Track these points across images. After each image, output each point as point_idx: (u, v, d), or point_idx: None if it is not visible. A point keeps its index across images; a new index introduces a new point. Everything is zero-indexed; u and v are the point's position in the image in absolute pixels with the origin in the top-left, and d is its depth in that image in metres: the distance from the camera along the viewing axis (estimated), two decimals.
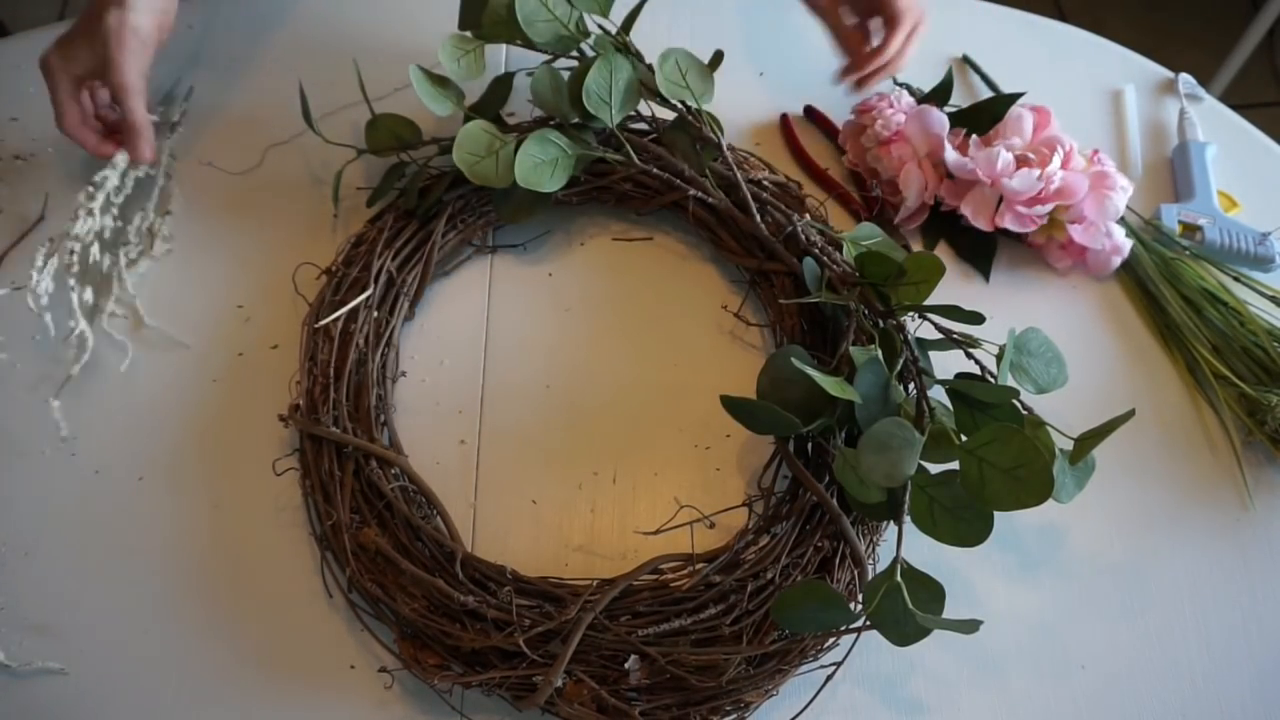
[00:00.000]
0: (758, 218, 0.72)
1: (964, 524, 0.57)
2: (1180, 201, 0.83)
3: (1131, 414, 0.60)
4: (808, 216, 0.75)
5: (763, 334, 0.75)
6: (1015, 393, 0.59)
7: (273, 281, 0.74)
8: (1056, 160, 0.74)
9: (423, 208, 0.74)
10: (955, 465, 0.57)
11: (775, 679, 0.59)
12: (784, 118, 0.86)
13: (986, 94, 0.88)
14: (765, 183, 0.77)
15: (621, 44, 0.75)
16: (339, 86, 0.81)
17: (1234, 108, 0.91)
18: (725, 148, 0.73)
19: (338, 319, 0.69)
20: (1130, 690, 0.63)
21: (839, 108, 0.85)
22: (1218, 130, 0.88)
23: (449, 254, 0.76)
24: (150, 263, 0.75)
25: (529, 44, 0.74)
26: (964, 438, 0.59)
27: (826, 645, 0.61)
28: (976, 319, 0.62)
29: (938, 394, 0.63)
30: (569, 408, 0.71)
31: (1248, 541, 0.69)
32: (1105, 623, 0.65)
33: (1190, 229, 0.80)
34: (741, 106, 0.83)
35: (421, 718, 0.60)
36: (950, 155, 0.76)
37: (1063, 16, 1.18)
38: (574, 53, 0.75)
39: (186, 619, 0.62)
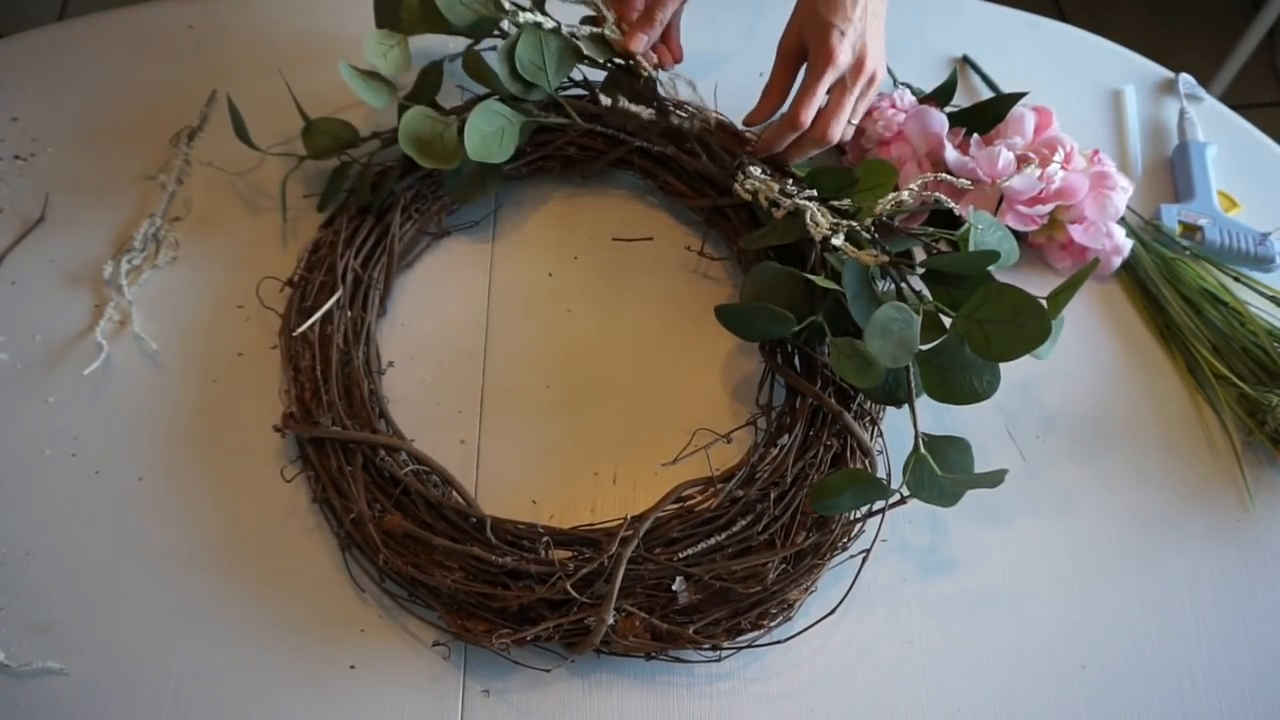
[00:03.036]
0: (704, 156, 0.75)
1: (975, 379, 0.61)
2: (1180, 201, 0.83)
3: (1095, 264, 0.64)
4: (751, 147, 0.77)
5: (730, 271, 0.78)
6: (995, 255, 0.61)
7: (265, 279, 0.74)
8: (1057, 160, 0.74)
9: (375, 203, 0.75)
10: (943, 341, 0.62)
11: (813, 574, 0.62)
12: None
13: (986, 94, 0.88)
14: (706, 122, 0.78)
15: (541, 14, 0.76)
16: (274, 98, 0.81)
17: (1234, 108, 0.91)
18: (660, 88, 0.76)
19: (314, 324, 0.69)
20: (1130, 690, 0.63)
21: None
22: (1218, 130, 0.88)
23: (409, 244, 0.76)
24: (152, 269, 0.75)
25: (450, 31, 0.75)
26: (943, 317, 0.63)
27: (854, 534, 0.64)
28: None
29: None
30: (569, 408, 0.71)
31: (1248, 542, 0.69)
32: (1105, 623, 0.65)
33: (1190, 229, 0.80)
34: (742, 106, 0.83)
35: (478, 687, 0.61)
36: (951, 154, 0.76)
37: (1063, 16, 1.18)
38: (495, 33, 0.77)
39: (188, 618, 0.62)
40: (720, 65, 0.89)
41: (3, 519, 0.65)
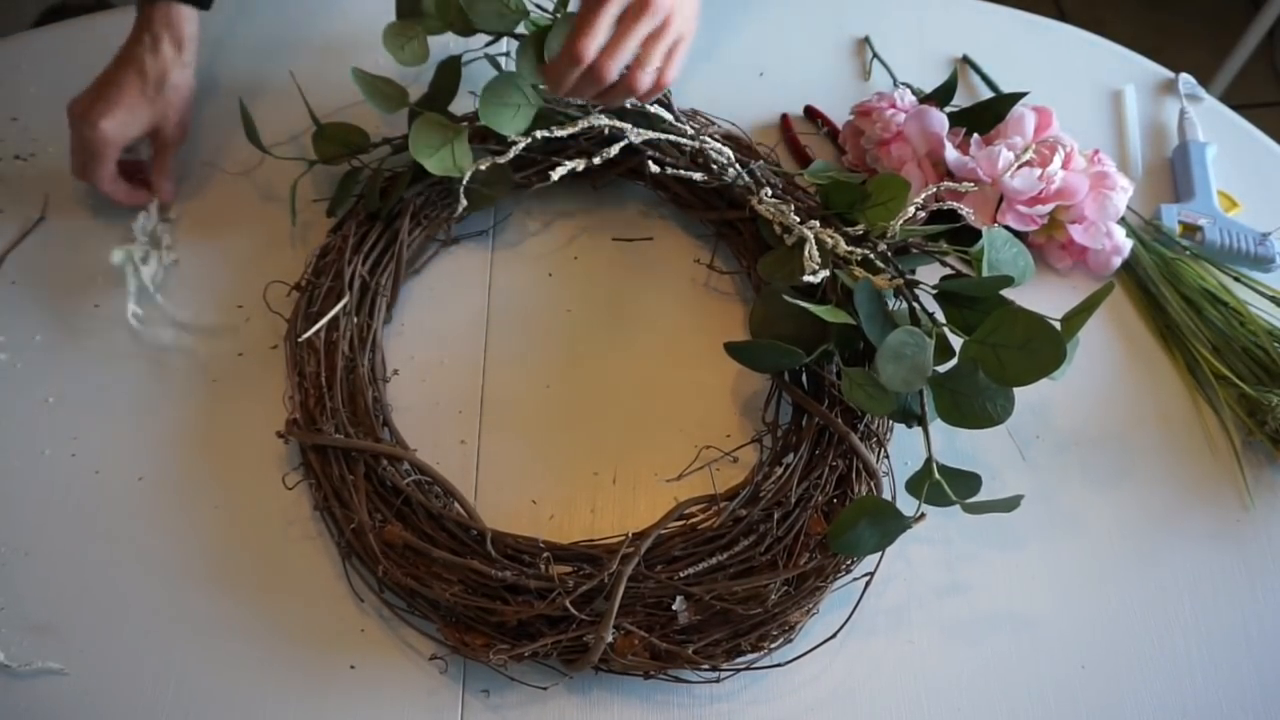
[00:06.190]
0: (714, 168, 0.74)
1: (990, 404, 0.61)
2: (1180, 201, 0.83)
3: (1111, 288, 0.62)
4: (762, 161, 0.77)
5: (736, 281, 0.77)
6: (1009, 280, 0.61)
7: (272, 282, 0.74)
8: (1057, 160, 0.74)
9: (385, 209, 0.74)
10: (957, 365, 0.61)
11: (815, 596, 0.62)
12: (784, 118, 0.86)
13: (986, 94, 0.88)
14: (715, 136, 0.78)
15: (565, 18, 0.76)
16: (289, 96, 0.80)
17: (1234, 108, 0.91)
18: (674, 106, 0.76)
19: (320, 330, 0.69)
20: (1130, 690, 0.63)
21: (839, 108, 0.85)
22: (1218, 130, 0.88)
23: (417, 251, 0.76)
24: (155, 265, 0.75)
25: (467, 29, 0.75)
26: (953, 340, 0.62)
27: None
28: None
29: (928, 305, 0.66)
30: (569, 408, 0.71)
31: (1248, 541, 0.69)
32: (1105, 623, 0.65)
33: (1190, 229, 0.80)
34: (742, 106, 0.83)
35: (476, 702, 0.61)
36: (951, 154, 0.76)
37: (1063, 16, 1.18)
38: (515, 34, 0.76)
39: (187, 619, 0.62)
40: (720, 67, 0.89)
41: (3, 519, 0.65)
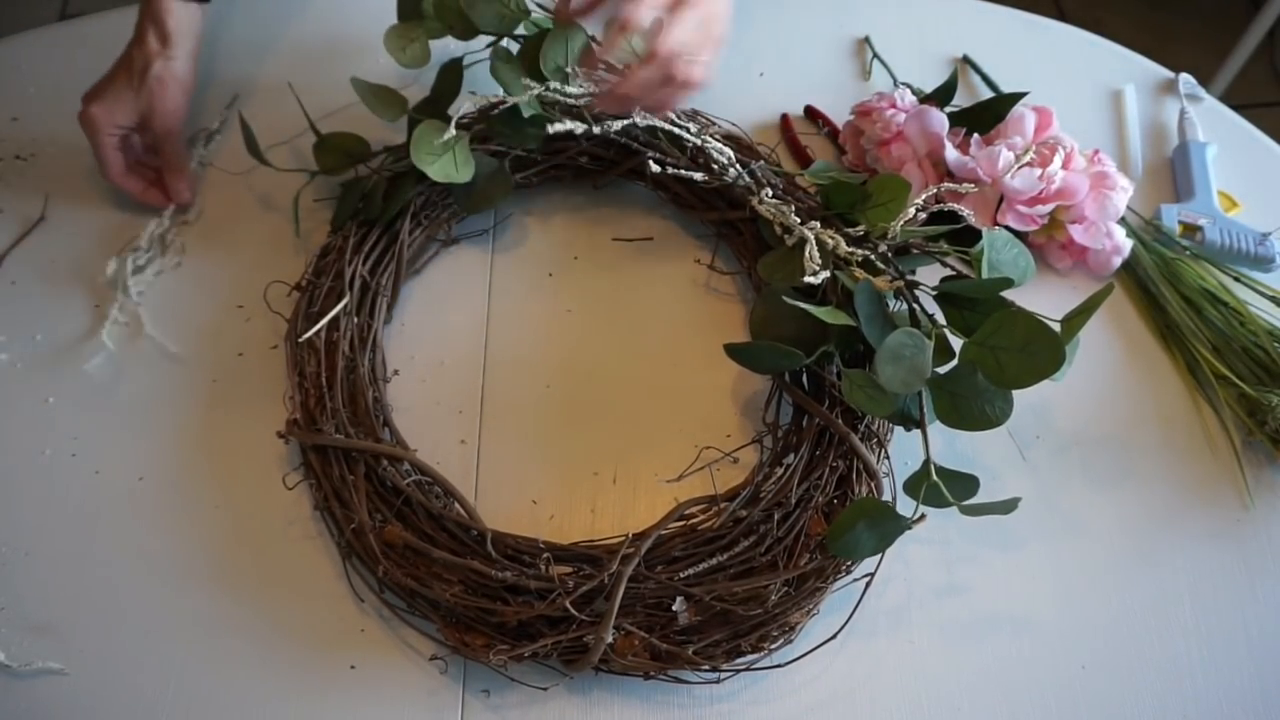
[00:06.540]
0: (715, 168, 0.74)
1: (989, 406, 0.61)
2: (1180, 201, 0.83)
3: (1110, 289, 0.62)
4: (762, 161, 0.77)
5: (736, 281, 0.77)
6: (1009, 281, 0.61)
7: (273, 282, 0.74)
8: (1057, 160, 0.74)
9: (388, 212, 0.74)
10: (956, 367, 0.61)
11: (815, 597, 0.62)
12: (784, 118, 0.86)
13: (986, 94, 0.88)
14: (716, 136, 0.77)
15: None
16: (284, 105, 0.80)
17: (1234, 108, 0.91)
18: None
19: (320, 330, 0.69)
20: (1130, 690, 0.63)
21: (839, 108, 0.85)
22: (1218, 130, 0.87)
23: (417, 251, 0.76)
24: (156, 272, 0.75)
25: (468, 31, 0.74)
26: (953, 341, 0.62)
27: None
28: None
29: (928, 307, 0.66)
30: (569, 408, 0.71)
31: (1248, 541, 0.69)
32: (1105, 623, 0.65)
33: (1190, 229, 0.80)
34: (741, 106, 0.83)
35: (476, 702, 0.61)
36: (951, 154, 0.76)
37: (1063, 16, 1.18)
38: (515, 35, 0.75)
39: (187, 619, 0.62)
40: (720, 67, 0.89)
41: (3, 519, 0.65)
